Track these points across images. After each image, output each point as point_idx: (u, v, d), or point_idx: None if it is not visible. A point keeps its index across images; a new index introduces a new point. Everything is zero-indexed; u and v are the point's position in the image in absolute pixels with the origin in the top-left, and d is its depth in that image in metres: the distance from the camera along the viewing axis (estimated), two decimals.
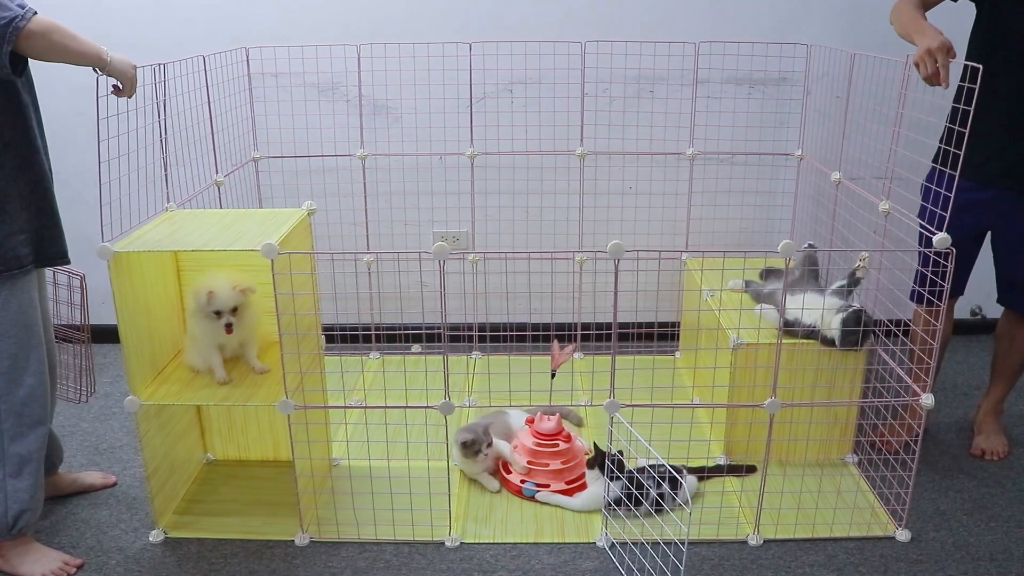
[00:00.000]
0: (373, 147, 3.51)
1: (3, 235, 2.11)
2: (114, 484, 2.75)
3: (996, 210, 2.62)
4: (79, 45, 2.02)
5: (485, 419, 2.91)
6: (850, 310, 2.57)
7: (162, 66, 2.47)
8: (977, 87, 2.10)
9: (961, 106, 2.29)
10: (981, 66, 2.11)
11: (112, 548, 2.46)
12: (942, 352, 2.82)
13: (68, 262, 2.34)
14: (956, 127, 2.28)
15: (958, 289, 2.80)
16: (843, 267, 2.92)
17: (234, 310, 2.39)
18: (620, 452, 2.48)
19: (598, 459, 2.54)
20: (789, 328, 2.65)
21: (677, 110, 3.47)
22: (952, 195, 2.26)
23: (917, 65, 2.29)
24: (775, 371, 2.35)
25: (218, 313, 2.38)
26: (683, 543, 2.15)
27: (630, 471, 2.51)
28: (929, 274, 2.39)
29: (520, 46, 3.34)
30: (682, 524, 2.40)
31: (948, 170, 2.38)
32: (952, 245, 2.22)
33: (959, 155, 2.22)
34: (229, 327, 2.39)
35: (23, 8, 1.95)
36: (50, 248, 2.26)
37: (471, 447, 2.66)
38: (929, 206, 2.49)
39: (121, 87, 2.15)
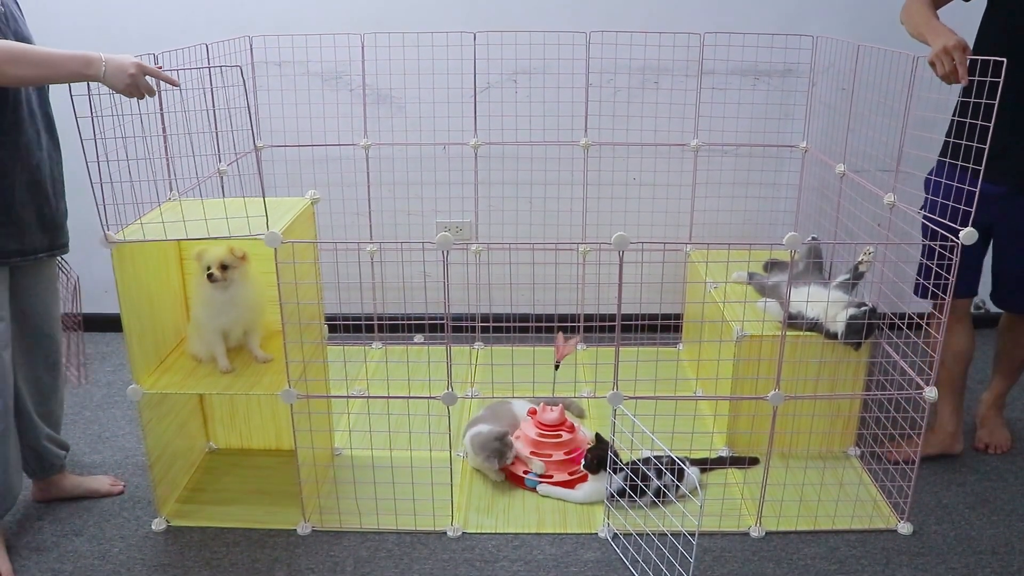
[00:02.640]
0: (377, 136, 3.51)
1: None
2: (121, 492, 2.68)
3: (998, 207, 2.56)
4: (46, 68, 1.95)
5: (490, 410, 2.90)
6: (861, 308, 2.56)
7: (153, 55, 2.45)
8: (1001, 80, 2.09)
9: (972, 99, 2.27)
10: (1004, 59, 2.09)
11: (115, 536, 2.46)
12: (965, 366, 2.80)
13: (27, 261, 2.27)
14: (966, 119, 2.25)
15: (970, 289, 2.72)
16: (847, 260, 2.91)
17: (224, 269, 2.37)
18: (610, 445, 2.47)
19: (598, 454, 2.53)
20: (793, 321, 2.65)
21: (682, 101, 3.46)
22: (971, 189, 2.24)
23: (933, 64, 2.27)
24: (779, 363, 2.34)
25: (208, 274, 2.36)
26: (693, 535, 2.14)
27: (634, 462, 2.51)
28: (934, 267, 2.37)
29: (525, 36, 3.33)
30: (692, 516, 2.40)
31: (961, 163, 2.36)
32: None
33: (968, 149, 2.20)
34: (211, 276, 2.35)
35: None
36: (8, 245, 2.21)
37: (505, 457, 2.66)
38: (939, 199, 2.45)
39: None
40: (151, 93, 2.09)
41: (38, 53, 1.96)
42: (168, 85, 2.14)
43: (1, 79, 1.94)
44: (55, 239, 2.34)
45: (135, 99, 2.08)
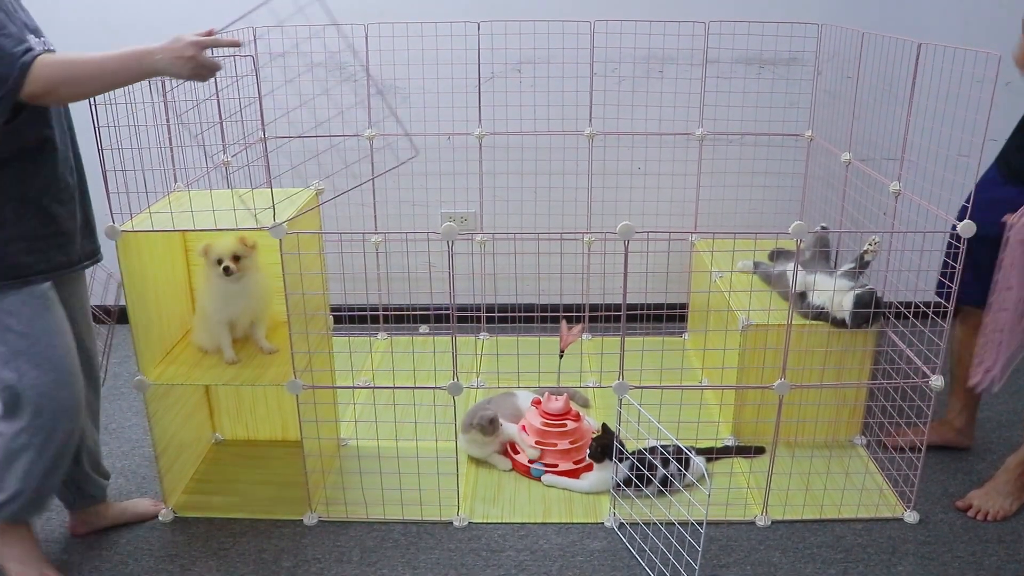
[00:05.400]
0: (381, 127, 3.50)
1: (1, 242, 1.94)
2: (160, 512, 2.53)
3: (1011, 211, 2.31)
4: (99, 83, 1.81)
5: (491, 400, 2.91)
6: (864, 289, 2.56)
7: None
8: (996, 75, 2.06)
9: None
10: (999, 54, 2.07)
11: (122, 527, 2.47)
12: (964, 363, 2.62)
13: (73, 271, 2.14)
14: None
15: (978, 297, 2.41)
16: (853, 249, 2.90)
17: (237, 260, 2.36)
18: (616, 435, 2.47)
19: (603, 443, 2.53)
20: (802, 310, 2.64)
21: (686, 90, 3.45)
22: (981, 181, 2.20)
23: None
24: (784, 352, 2.34)
25: (224, 268, 2.35)
26: (700, 524, 2.14)
27: (639, 451, 2.51)
28: (947, 259, 2.34)
29: (529, 25, 3.32)
30: (698, 505, 2.40)
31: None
32: (973, 243, 2.17)
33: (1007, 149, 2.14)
34: (227, 270, 2.34)
35: (20, 59, 1.74)
36: (56, 257, 2.07)
37: (495, 423, 2.67)
38: (985, 196, 2.32)
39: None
40: (218, 67, 1.91)
41: (92, 64, 1.81)
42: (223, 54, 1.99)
43: (61, 99, 1.84)
44: (94, 246, 2.21)
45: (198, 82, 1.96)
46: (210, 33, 1.92)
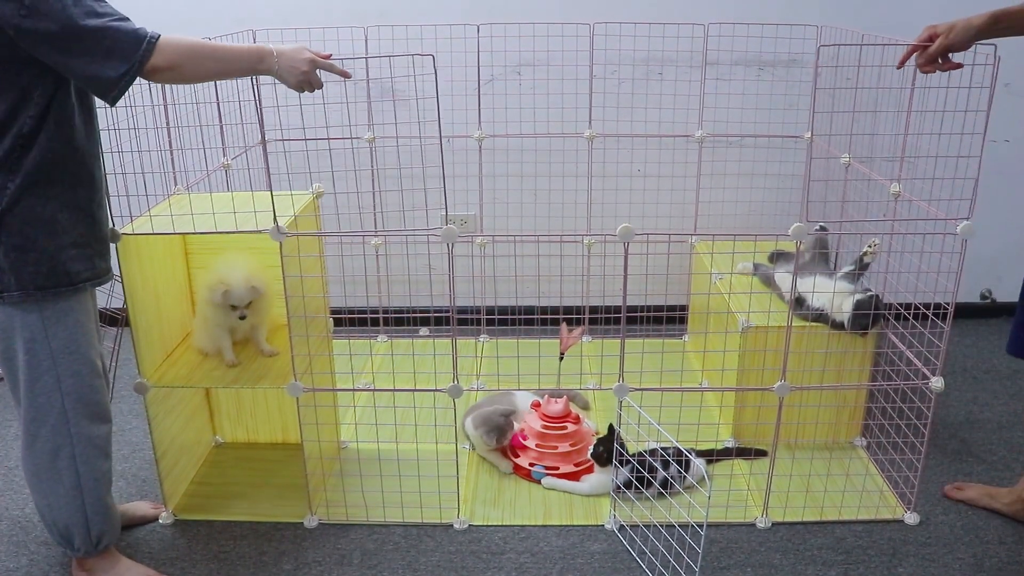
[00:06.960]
0: (381, 130, 3.50)
1: (55, 248, 1.94)
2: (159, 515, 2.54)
3: None
4: (222, 64, 1.90)
5: (490, 400, 2.91)
6: (866, 294, 2.56)
7: None
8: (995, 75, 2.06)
9: None
10: (999, 55, 2.06)
11: (122, 530, 2.46)
12: None
13: (109, 278, 2.14)
14: None
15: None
16: (853, 250, 2.90)
17: (248, 303, 2.40)
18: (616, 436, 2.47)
19: (607, 445, 2.53)
20: (800, 312, 2.64)
21: (686, 92, 3.45)
22: None
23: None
24: (784, 354, 2.34)
25: (239, 316, 2.41)
26: (700, 526, 2.14)
27: (640, 453, 2.51)
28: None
29: (528, 28, 3.32)
30: (699, 507, 2.40)
31: None
32: None
33: None
34: (243, 317, 2.41)
35: (148, 35, 1.81)
36: (99, 264, 2.07)
37: (503, 439, 2.68)
38: None
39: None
40: (321, 86, 2.05)
41: (214, 49, 1.91)
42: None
43: (180, 77, 1.89)
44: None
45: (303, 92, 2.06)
46: (328, 57, 2.07)
